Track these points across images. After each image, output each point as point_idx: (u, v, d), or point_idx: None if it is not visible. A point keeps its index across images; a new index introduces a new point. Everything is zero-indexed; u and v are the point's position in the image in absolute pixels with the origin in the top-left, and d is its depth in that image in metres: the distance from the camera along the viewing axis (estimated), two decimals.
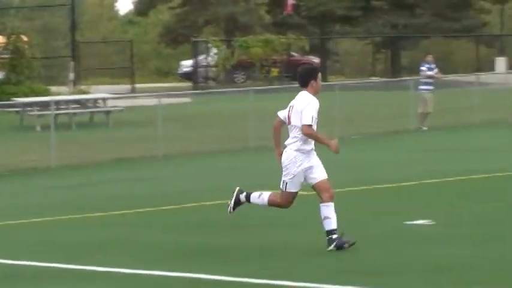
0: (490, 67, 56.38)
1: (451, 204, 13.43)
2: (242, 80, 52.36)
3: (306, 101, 10.48)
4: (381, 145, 25.06)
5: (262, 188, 11.23)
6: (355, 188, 15.86)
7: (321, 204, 10.26)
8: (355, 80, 50.65)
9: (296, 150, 10.38)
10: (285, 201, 10.59)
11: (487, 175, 16.55)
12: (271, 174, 19.16)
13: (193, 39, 55.69)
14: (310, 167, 10.36)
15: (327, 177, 10.36)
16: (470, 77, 47.18)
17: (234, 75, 52.48)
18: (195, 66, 53.65)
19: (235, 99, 32.35)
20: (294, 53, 55.10)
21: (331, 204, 10.21)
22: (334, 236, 10.14)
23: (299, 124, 10.37)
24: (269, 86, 42.15)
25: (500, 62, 56.52)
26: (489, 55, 63.12)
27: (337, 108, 26.33)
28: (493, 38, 64.88)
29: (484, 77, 46.63)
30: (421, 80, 28.99)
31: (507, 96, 32.54)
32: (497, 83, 46.68)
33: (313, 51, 58.36)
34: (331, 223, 10.16)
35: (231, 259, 10.41)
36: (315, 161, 10.44)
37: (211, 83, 54.06)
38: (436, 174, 17.23)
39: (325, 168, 10.39)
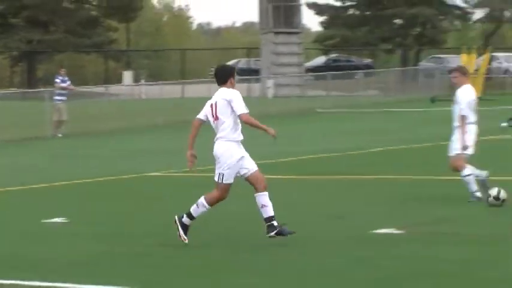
0: (118, 79, 58.02)
1: (83, 204, 13.85)
2: None
3: (230, 94, 10.08)
4: (20, 151, 24.96)
5: None
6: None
7: (257, 195, 9.96)
8: None
9: (228, 141, 9.95)
10: (224, 192, 9.98)
11: (116, 177, 17.12)
12: None
13: None
14: (242, 158, 9.95)
15: (257, 167, 10.02)
16: (101, 89, 48.29)
17: None
18: None
19: None
20: None
21: (266, 193, 9.92)
22: (275, 223, 9.89)
23: (227, 117, 9.97)
24: None
25: (127, 75, 58.48)
26: (117, 69, 65.00)
27: None
28: (120, 53, 66.96)
29: (113, 88, 48.01)
30: (56, 91, 29.46)
31: (133, 106, 33.66)
32: (125, 94, 48.33)
33: None
34: (269, 210, 9.91)
35: None
36: (244, 152, 10.04)
37: None
38: (67, 176, 17.51)
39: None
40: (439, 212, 12.18)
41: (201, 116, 10.14)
